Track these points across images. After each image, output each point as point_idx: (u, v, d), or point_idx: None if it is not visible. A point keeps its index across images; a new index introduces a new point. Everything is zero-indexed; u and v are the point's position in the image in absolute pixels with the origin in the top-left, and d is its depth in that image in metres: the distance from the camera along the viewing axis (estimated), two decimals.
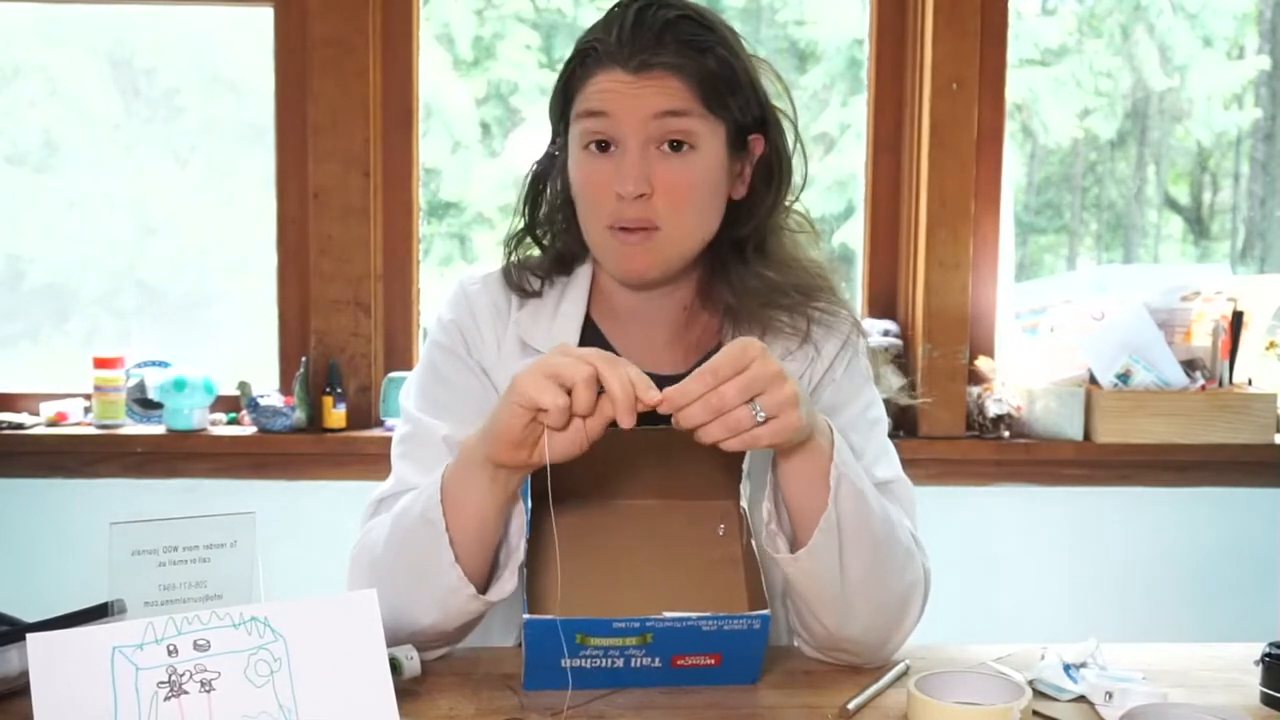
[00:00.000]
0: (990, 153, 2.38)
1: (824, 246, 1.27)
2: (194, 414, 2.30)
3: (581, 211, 1.17)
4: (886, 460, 1.18)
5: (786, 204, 1.22)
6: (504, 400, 0.95)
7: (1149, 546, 2.38)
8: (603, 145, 1.12)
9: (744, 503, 1.07)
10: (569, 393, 0.91)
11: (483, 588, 1.05)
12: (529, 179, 1.25)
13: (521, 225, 1.25)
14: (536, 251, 1.27)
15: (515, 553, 1.05)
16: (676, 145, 1.10)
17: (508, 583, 1.05)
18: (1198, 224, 4.01)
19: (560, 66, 1.17)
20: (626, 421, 0.91)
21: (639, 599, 0.99)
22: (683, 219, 1.12)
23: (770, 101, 1.18)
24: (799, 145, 1.21)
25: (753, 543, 1.05)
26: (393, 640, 1.00)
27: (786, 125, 1.19)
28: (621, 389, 0.90)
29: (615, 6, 1.13)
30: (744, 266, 1.20)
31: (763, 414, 0.93)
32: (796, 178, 1.21)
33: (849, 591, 1.04)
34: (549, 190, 1.25)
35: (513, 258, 1.26)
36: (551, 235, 1.26)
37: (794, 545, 1.04)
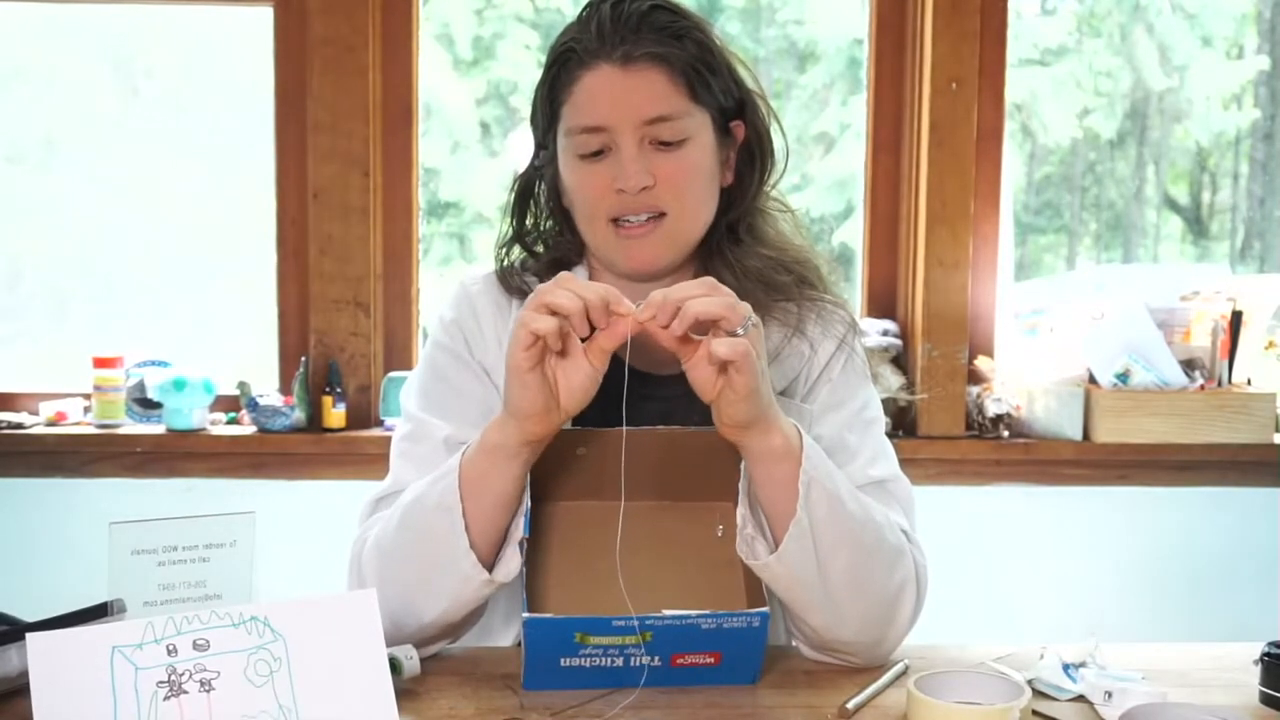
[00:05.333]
0: (990, 152, 2.38)
1: (803, 225, 1.29)
2: (193, 414, 2.30)
3: (581, 214, 1.18)
4: (884, 459, 1.18)
5: (767, 186, 1.24)
6: (507, 376, 0.98)
7: (1148, 546, 2.38)
8: (597, 152, 1.14)
9: None
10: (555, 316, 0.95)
11: (489, 570, 1.05)
12: (515, 191, 1.26)
13: (510, 234, 1.26)
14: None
15: (516, 530, 1.05)
16: (670, 143, 1.13)
17: (512, 561, 1.05)
18: (1197, 224, 4.02)
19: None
20: (602, 321, 0.96)
21: (638, 599, 0.99)
22: (686, 204, 1.15)
23: (745, 84, 1.20)
24: (776, 123, 1.22)
25: None
26: (394, 638, 1.01)
27: (760, 105, 1.21)
28: (596, 295, 0.95)
29: (585, 8, 1.15)
30: (740, 247, 1.21)
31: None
32: (778, 157, 1.23)
33: (832, 594, 1.04)
34: (537, 200, 1.26)
35: (504, 263, 1.26)
36: (543, 244, 1.26)
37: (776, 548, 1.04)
